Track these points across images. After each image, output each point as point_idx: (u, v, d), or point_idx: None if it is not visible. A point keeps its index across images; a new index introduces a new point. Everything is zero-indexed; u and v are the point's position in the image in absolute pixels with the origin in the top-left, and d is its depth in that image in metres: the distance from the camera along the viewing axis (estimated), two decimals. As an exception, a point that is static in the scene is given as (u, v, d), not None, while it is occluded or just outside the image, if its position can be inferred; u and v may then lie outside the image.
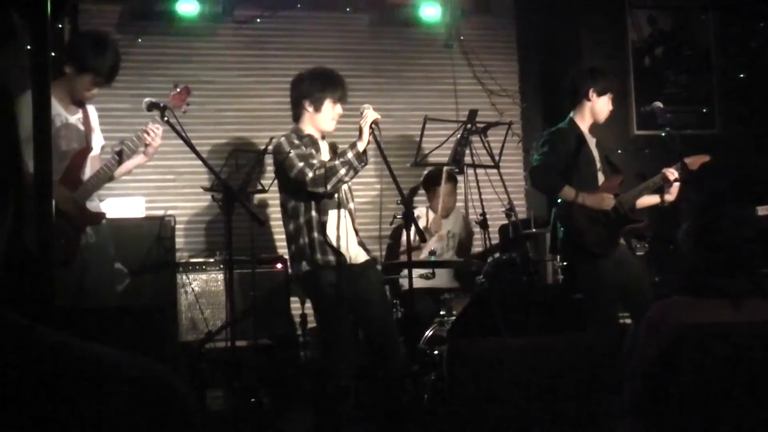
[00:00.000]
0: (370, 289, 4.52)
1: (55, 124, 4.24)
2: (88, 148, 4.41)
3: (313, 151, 4.49)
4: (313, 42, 6.63)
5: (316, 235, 4.41)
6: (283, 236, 6.32)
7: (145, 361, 0.84)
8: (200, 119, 6.16)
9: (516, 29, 7.14)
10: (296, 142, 4.48)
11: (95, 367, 0.80)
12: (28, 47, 1.97)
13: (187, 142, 4.24)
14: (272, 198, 6.14)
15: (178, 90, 4.49)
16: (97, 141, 4.56)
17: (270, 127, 6.23)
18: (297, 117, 4.64)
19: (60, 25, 5.67)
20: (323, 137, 4.64)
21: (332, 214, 4.48)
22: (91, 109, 4.52)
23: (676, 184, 4.83)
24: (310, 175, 4.35)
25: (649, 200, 4.99)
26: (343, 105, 4.59)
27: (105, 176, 4.39)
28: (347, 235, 4.51)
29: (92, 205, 4.41)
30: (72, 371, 0.79)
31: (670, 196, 4.87)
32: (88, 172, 4.40)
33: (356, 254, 4.55)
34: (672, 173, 4.82)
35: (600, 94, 4.93)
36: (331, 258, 4.41)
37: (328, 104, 4.54)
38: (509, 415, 3.26)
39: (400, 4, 6.60)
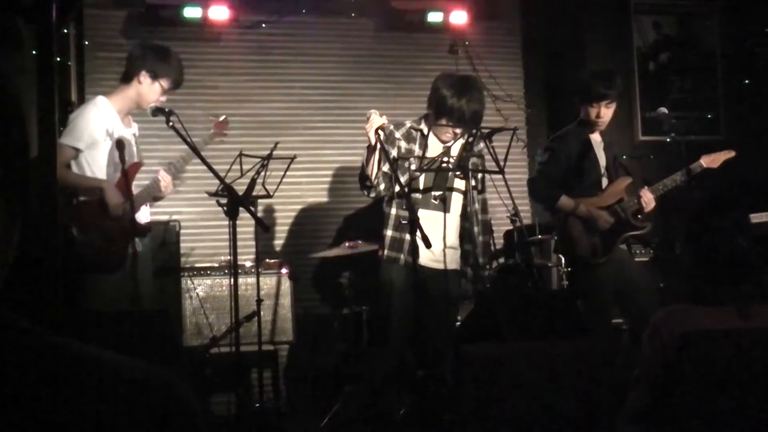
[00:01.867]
0: (433, 297, 4.51)
1: (114, 136, 4.45)
2: (140, 163, 4.64)
3: (414, 148, 4.59)
4: (318, 47, 6.63)
5: (390, 231, 4.57)
6: (288, 241, 6.39)
7: (145, 364, 0.84)
8: (205, 124, 6.16)
9: (521, 35, 7.13)
10: (397, 135, 4.62)
11: (94, 368, 0.80)
12: (34, 52, 1.98)
13: (192, 147, 4.28)
14: (277, 203, 6.15)
15: (220, 119, 4.93)
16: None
17: (275, 132, 6.25)
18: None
19: (65, 30, 5.69)
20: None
21: (422, 214, 4.47)
22: (135, 125, 4.75)
23: (650, 206, 4.78)
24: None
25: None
26: (460, 126, 4.54)
27: (152, 193, 4.65)
28: (437, 238, 4.48)
29: (138, 217, 4.54)
30: (71, 373, 0.79)
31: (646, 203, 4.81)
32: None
33: (434, 260, 4.53)
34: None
35: (585, 102, 4.85)
36: (401, 256, 4.52)
37: (439, 128, 4.55)
38: (513, 418, 3.25)
39: (405, 9, 6.61)
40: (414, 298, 4.43)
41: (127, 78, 4.55)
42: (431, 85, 4.69)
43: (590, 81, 4.85)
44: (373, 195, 4.60)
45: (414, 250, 4.12)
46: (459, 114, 4.48)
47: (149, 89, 4.52)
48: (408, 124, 4.65)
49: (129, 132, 4.58)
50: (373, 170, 4.50)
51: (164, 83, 4.54)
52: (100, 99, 4.52)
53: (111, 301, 4.31)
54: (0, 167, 0.78)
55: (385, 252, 4.58)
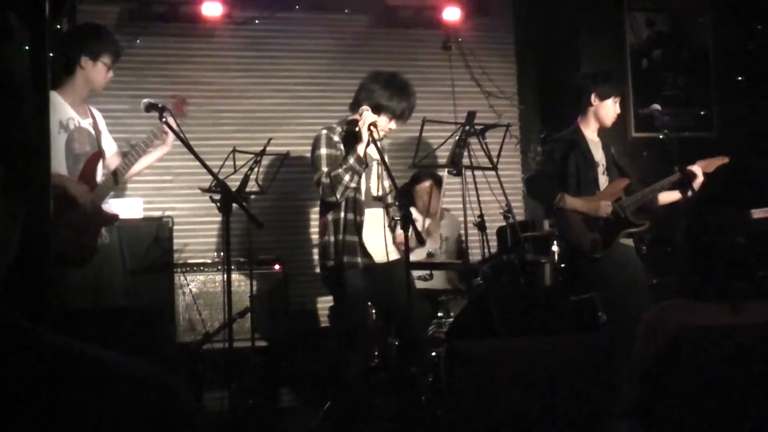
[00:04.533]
0: (394, 287, 4.47)
1: (69, 128, 4.40)
2: (101, 151, 4.53)
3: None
4: (311, 43, 6.63)
5: (342, 236, 4.43)
6: (281, 237, 6.38)
7: (145, 363, 0.84)
8: (198, 120, 6.16)
9: (514, 31, 7.14)
10: (335, 139, 4.49)
11: (95, 368, 0.80)
12: (27, 48, 1.96)
13: (185, 143, 4.26)
14: (271, 199, 6.15)
15: (175, 100, 4.67)
16: (108, 144, 4.67)
17: (268, 128, 6.24)
18: (352, 108, 4.62)
19: (59, 26, 5.67)
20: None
21: (368, 213, 4.49)
22: (97, 114, 4.65)
23: (700, 179, 4.79)
24: (323, 182, 4.38)
25: (669, 197, 4.97)
26: (398, 122, 4.58)
27: (119, 178, 4.52)
28: (380, 234, 4.51)
29: (105, 206, 4.51)
30: (72, 372, 0.79)
31: (693, 191, 4.83)
32: (100, 174, 4.50)
33: (385, 252, 4.52)
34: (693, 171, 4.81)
35: (602, 98, 4.96)
36: (358, 259, 4.43)
37: (383, 118, 4.51)
38: (507, 416, 3.26)
39: (399, 5, 6.60)
40: (385, 296, 4.47)
41: (70, 68, 4.49)
42: (363, 86, 4.63)
43: (612, 76, 5.11)
44: (339, 197, 4.40)
45: (407, 246, 4.10)
46: (401, 112, 4.53)
47: (94, 71, 4.46)
48: (338, 128, 4.58)
49: (86, 122, 4.51)
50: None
51: (105, 60, 4.47)
52: (50, 94, 4.51)
53: (82, 295, 4.25)
54: (2, 166, 0.78)
55: (343, 257, 4.41)
